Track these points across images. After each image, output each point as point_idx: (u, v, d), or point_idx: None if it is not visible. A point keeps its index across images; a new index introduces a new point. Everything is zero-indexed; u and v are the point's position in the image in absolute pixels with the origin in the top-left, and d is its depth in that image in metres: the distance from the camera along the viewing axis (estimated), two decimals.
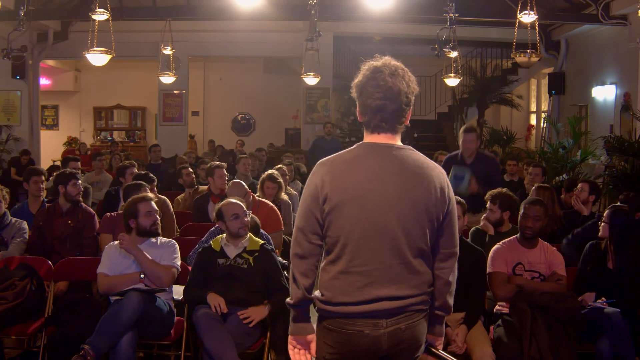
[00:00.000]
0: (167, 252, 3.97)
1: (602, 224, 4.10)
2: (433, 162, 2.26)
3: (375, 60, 2.21)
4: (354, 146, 2.22)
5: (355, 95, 2.22)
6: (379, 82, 2.14)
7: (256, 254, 3.92)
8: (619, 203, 4.69)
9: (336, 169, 2.16)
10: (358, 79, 2.20)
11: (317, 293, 2.22)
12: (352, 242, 2.13)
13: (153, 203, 4.05)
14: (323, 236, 2.19)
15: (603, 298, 3.86)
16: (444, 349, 3.63)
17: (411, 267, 2.16)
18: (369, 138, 2.22)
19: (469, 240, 4.42)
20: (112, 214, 4.96)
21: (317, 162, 2.24)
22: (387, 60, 2.19)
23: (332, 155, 2.23)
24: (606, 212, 4.11)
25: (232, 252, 3.92)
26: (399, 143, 2.23)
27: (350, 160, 2.18)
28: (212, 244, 4.00)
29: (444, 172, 2.27)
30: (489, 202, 4.59)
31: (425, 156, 2.26)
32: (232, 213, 3.95)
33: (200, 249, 4.07)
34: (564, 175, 8.81)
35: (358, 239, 2.12)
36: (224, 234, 4.03)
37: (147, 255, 3.88)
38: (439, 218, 2.20)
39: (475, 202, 5.08)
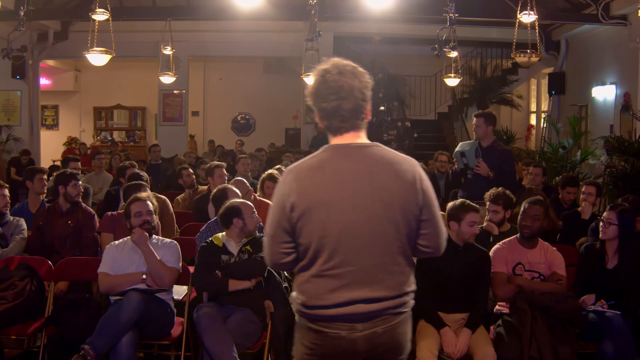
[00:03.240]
0: (168, 252, 3.96)
1: (609, 225, 3.98)
2: (402, 155, 2.21)
3: (325, 63, 2.18)
4: (320, 150, 2.18)
5: (311, 103, 2.19)
6: (329, 83, 2.12)
7: (251, 242, 3.97)
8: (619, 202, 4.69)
9: (302, 176, 2.13)
10: (310, 85, 2.18)
11: (294, 294, 2.22)
12: (322, 246, 2.10)
13: (147, 203, 4.01)
14: (294, 243, 2.16)
15: (602, 300, 3.85)
16: (442, 351, 3.65)
17: (385, 268, 2.12)
18: (333, 141, 2.19)
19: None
20: (113, 213, 4.96)
21: (285, 170, 2.22)
22: (335, 60, 2.17)
23: (298, 161, 2.21)
24: (608, 213, 4.01)
25: (234, 248, 3.94)
26: (364, 140, 2.20)
27: (315, 165, 2.14)
28: (213, 240, 4.00)
29: (415, 163, 2.21)
30: (489, 204, 4.57)
31: (393, 150, 2.21)
32: (252, 210, 4.00)
33: (202, 244, 4.07)
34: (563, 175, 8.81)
35: (329, 243, 2.09)
36: (224, 232, 4.03)
37: (156, 254, 3.88)
38: (415, 212, 2.15)
39: (482, 189, 4.87)
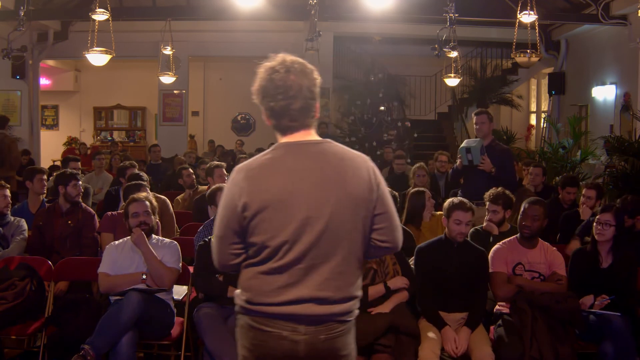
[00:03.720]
0: (168, 253, 3.97)
1: (608, 227, 3.95)
2: (355, 152, 2.16)
3: (272, 59, 2.11)
4: (271, 148, 2.14)
5: (258, 101, 2.13)
6: (276, 82, 2.06)
7: None
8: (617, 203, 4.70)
9: (252, 175, 2.08)
10: (256, 83, 2.11)
11: (237, 292, 2.16)
12: (274, 245, 2.04)
13: (145, 204, 4.01)
14: (244, 244, 2.11)
15: (604, 295, 3.85)
16: (443, 350, 3.66)
17: (336, 267, 2.07)
18: (283, 139, 2.14)
19: (469, 240, 4.41)
20: (113, 213, 4.96)
21: (234, 169, 2.17)
22: (282, 57, 2.11)
23: (249, 160, 2.16)
24: (605, 215, 3.98)
25: None
26: (315, 137, 2.15)
27: (266, 164, 2.09)
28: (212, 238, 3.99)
29: (367, 159, 2.17)
30: (489, 204, 4.57)
31: (345, 147, 2.16)
32: None
33: (200, 243, 4.07)
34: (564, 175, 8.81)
35: (281, 241, 2.04)
36: None
37: (155, 254, 3.89)
38: (369, 209, 2.11)
39: (482, 189, 4.87)
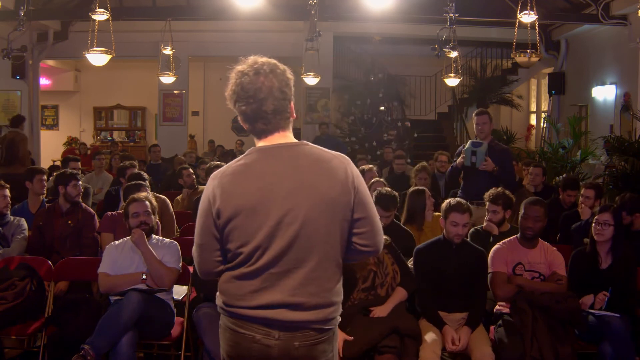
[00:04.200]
0: (168, 253, 3.97)
1: (607, 227, 3.95)
2: (332, 153, 2.11)
3: (242, 63, 2.09)
4: (245, 153, 2.11)
5: (231, 106, 2.11)
6: (245, 86, 2.04)
7: None
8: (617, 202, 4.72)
9: (226, 181, 2.06)
10: (228, 88, 2.09)
11: (217, 293, 2.16)
12: (246, 251, 2.03)
13: (145, 204, 4.02)
14: (223, 250, 2.09)
15: (606, 293, 3.83)
16: (444, 349, 3.66)
17: (310, 273, 2.03)
18: (259, 143, 2.12)
19: (468, 240, 4.41)
20: (113, 213, 4.96)
21: (210, 175, 2.16)
22: (252, 59, 2.08)
23: (224, 166, 2.14)
24: (604, 215, 3.98)
25: None
26: (290, 140, 2.11)
27: (238, 170, 2.07)
28: None
29: (346, 161, 2.11)
30: (489, 204, 4.57)
31: (322, 148, 2.11)
32: None
33: None
34: (564, 176, 8.80)
35: (252, 247, 2.02)
36: None
37: (155, 254, 3.89)
38: (346, 212, 2.06)
39: (481, 189, 4.88)
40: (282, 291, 2.02)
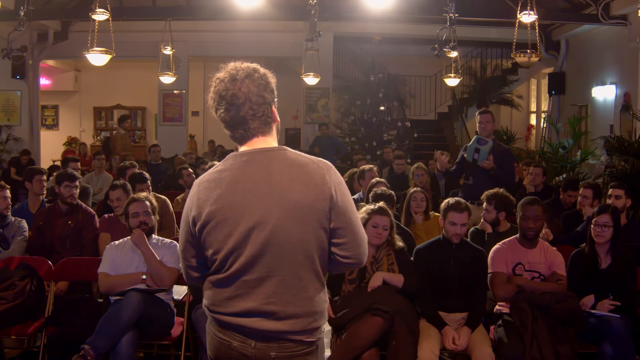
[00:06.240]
0: (169, 253, 3.97)
1: (607, 228, 3.95)
2: (310, 158, 2.04)
3: (221, 70, 2.09)
4: (224, 159, 2.10)
5: (213, 114, 2.11)
6: (221, 93, 2.05)
7: None
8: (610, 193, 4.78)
9: (202, 189, 2.05)
10: (209, 96, 2.11)
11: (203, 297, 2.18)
12: (220, 257, 2.01)
13: (145, 203, 4.03)
14: (203, 257, 2.09)
15: (614, 302, 3.83)
16: (443, 349, 3.66)
17: (282, 281, 1.98)
18: (240, 148, 2.09)
19: (468, 239, 4.42)
20: (110, 215, 4.95)
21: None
22: (232, 66, 2.08)
23: (204, 173, 2.13)
24: (603, 216, 3.98)
25: None
26: (271, 144, 2.07)
27: (214, 177, 2.04)
28: None
29: (327, 166, 2.03)
30: (484, 203, 4.60)
31: (301, 153, 2.06)
32: None
33: None
34: (564, 176, 8.81)
35: (225, 253, 2.00)
36: None
37: (155, 254, 3.89)
38: (322, 219, 1.99)
39: (483, 190, 4.85)
40: (257, 299, 1.99)
